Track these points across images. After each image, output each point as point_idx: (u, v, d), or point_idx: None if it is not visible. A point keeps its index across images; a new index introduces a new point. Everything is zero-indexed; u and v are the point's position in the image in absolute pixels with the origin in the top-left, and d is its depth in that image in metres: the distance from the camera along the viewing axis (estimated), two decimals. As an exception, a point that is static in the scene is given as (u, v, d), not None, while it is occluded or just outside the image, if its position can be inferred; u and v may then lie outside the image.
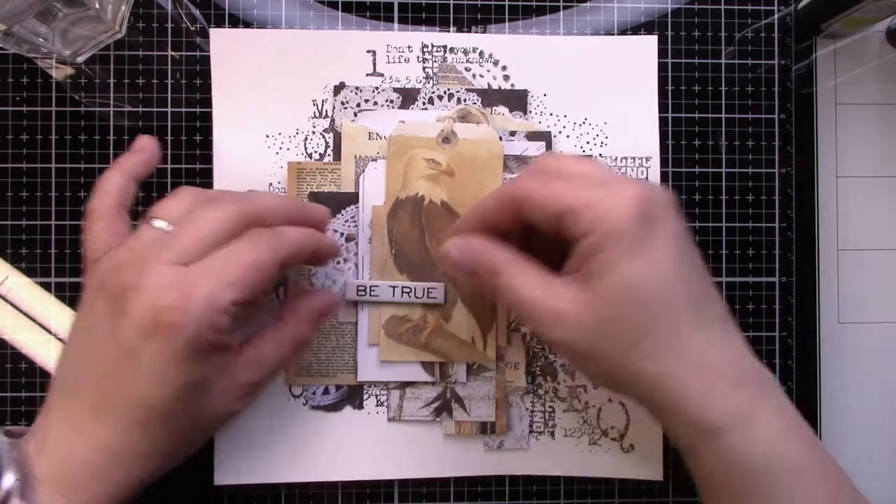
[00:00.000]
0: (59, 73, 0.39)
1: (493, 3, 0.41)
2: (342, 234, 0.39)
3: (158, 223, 0.31)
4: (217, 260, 0.29)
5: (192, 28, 0.40)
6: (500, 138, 0.39)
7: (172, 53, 0.40)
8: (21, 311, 0.39)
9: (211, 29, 0.39)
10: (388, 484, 0.40)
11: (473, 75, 0.40)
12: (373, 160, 0.39)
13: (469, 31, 0.40)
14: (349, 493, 0.39)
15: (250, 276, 0.30)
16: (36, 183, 0.39)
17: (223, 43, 0.39)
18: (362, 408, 0.39)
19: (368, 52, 0.40)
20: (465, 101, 0.40)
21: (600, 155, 0.40)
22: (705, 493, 0.30)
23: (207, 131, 0.40)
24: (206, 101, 0.40)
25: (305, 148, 0.39)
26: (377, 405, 0.39)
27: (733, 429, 0.27)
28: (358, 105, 0.39)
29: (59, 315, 0.39)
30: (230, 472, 0.38)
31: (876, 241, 0.42)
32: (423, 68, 0.40)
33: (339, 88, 0.39)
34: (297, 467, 0.39)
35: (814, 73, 0.41)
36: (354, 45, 0.40)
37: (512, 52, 0.40)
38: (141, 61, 0.40)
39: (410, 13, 0.40)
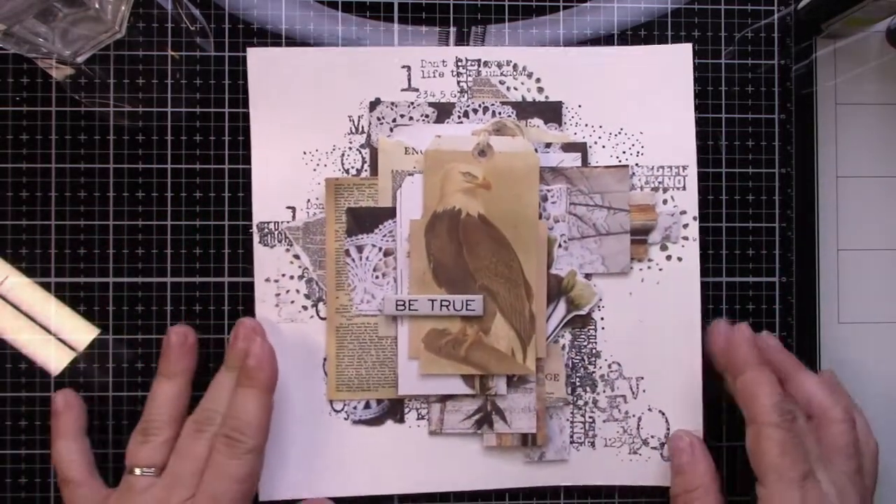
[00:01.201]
0: (59, 73, 0.39)
1: (492, 3, 0.41)
2: (380, 249, 0.39)
3: (139, 471, 0.35)
4: (213, 484, 0.33)
5: (192, 28, 0.40)
6: (536, 150, 0.39)
7: (172, 53, 0.40)
8: (21, 311, 0.39)
9: (248, 49, 0.39)
10: (431, 497, 0.40)
11: (508, 88, 0.40)
12: (409, 174, 0.39)
13: (504, 45, 0.40)
14: None
15: (250, 486, 0.34)
16: (36, 183, 0.39)
17: (260, 61, 0.39)
18: (403, 421, 0.39)
19: (403, 67, 0.40)
20: (499, 114, 0.40)
21: (636, 164, 0.40)
22: None
23: (207, 132, 0.40)
24: (206, 102, 0.40)
25: (342, 164, 0.40)
26: (418, 419, 0.39)
27: None
28: (394, 120, 0.40)
29: (59, 315, 0.39)
30: (275, 487, 0.39)
31: (876, 241, 0.42)
32: (458, 82, 0.40)
33: (374, 104, 0.40)
34: (340, 482, 0.39)
35: (814, 73, 0.41)
36: (389, 61, 0.40)
37: (545, 65, 0.40)
38: (141, 61, 0.40)
39: (410, 13, 0.40)
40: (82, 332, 0.39)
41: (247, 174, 0.40)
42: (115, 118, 0.40)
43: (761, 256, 0.41)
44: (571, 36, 0.41)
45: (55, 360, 0.39)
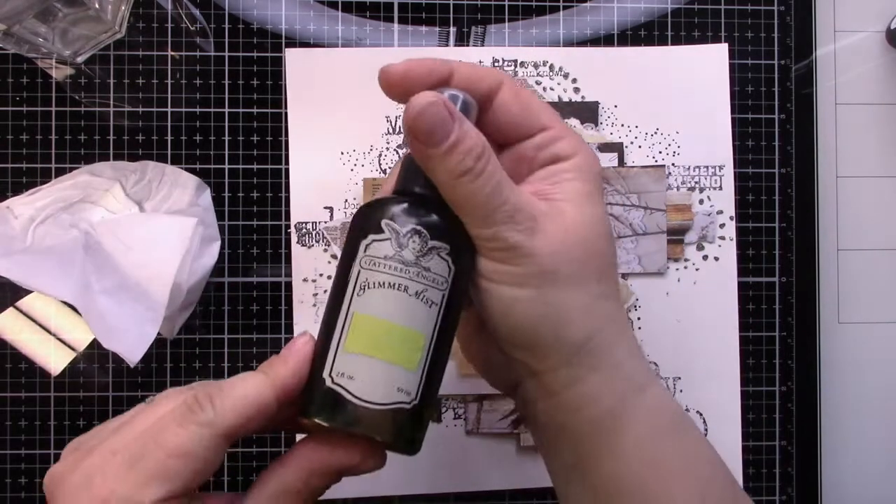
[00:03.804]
0: (59, 73, 0.39)
1: (492, 3, 0.41)
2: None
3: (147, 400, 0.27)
4: (130, 441, 0.24)
5: (192, 28, 0.40)
6: None
7: (172, 53, 0.40)
8: (21, 311, 0.39)
9: (286, 49, 0.39)
10: (471, 497, 0.40)
11: (544, 88, 0.40)
12: None
13: (539, 46, 0.40)
14: None
15: (185, 466, 0.23)
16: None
17: (298, 63, 0.39)
18: (440, 421, 0.40)
19: None
20: None
21: (672, 164, 0.40)
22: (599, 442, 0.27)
23: (207, 131, 0.40)
24: (206, 101, 0.40)
25: (380, 164, 0.40)
26: (455, 418, 0.40)
27: (652, 384, 0.28)
28: None
29: (59, 315, 0.39)
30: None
31: (876, 241, 0.42)
32: None
33: None
34: (377, 481, 0.39)
35: (814, 73, 0.41)
36: None
37: (582, 65, 0.40)
38: (141, 61, 0.40)
39: (410, 13, 0.40)
40: (82, 332, 0.39)
41: (248, 174, 0.40)
42: (115, 118, 0.40)
43: (761, 256, 0.41)
44: (571, 36, 0.41)
45: (55, 360, 0.39)
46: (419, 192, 0.26)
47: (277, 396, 0.25)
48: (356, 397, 0.24)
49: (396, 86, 0.26)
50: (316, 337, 0.26)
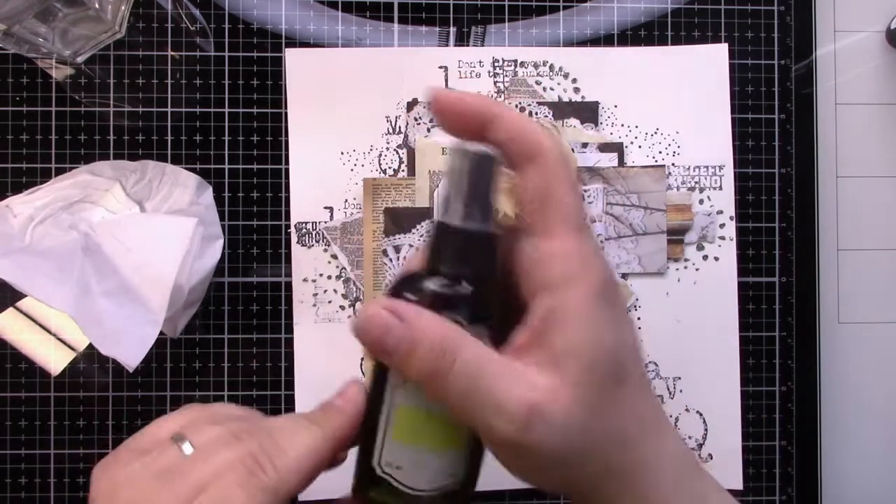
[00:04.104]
0: (59, 73, 0.39)
1: (492, 3, 0.41)
2: (417, 249, 0.39)
3: (185, 444, 0.25)
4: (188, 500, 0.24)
5: (192, 28, 0.40)
6: (573, 150, 0.39)
7: (172, 53, 0.40)
8: (21, 311, 0.39)
9: (286, 49, 0.39)
10: (471, 497, 0.39)
11: (544, 88, 0.40)
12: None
13: (539, 46, 0.40)
14: None
15: None
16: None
17: (298, 63, 0.40)
18: None
19: (440, 67, 0.40)
20: (536, 114, 0.40)
21: (672, 164, 0.40)
22: None
23: (207, 131, 0.40)
24: (206, 101, 0.40)
25: (380, 164, 0.40)
26: None
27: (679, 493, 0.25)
28: (431, 120, 0.40)
29: (58, 315, 0.39)
30: (310, 488, 0.39)
31: (876, 241, 0.42)
32: (495, 82, 0.40)
33: (411, 105, 0.40)
34: None
35: (814, 73, 0.41)
36: (426, 62, 0.40)
37: (582, 65, 0.40)
38: (141, 61, 0.40)
39: (410, 13, 0.40)
40: (82, 333, 0.39)
41: (248, 174, 0.40)
42: (115, 118, 0.40)
43: (761, 256, 0.41)
44: (571, 36, 0.41)
45: (55, 360, 0.39)
46: (452, 272, 0.24)
47: (333, 448, 0.25)
48: (405, 486, 0.24)
49: (442, 113, 0.25)
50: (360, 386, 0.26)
